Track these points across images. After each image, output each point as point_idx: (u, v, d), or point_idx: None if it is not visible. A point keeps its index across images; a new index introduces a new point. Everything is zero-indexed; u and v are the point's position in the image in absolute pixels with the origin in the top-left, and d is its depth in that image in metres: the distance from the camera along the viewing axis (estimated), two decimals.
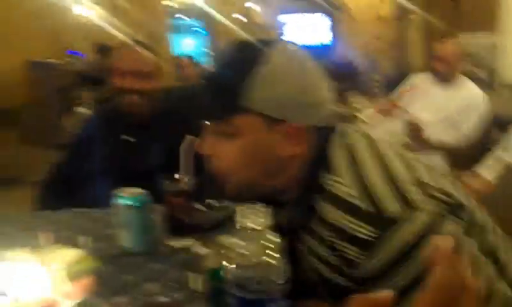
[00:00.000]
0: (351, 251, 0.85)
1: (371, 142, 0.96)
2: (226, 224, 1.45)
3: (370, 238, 0.83)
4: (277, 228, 0.86)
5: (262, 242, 0.73)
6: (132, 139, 1.96)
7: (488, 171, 2.48)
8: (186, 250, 1.31)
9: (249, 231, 0.73)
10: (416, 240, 0.81)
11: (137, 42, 2.03)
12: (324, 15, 11.53)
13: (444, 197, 0.87)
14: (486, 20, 5.54)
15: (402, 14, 6.30)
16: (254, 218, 0.73)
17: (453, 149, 2.80)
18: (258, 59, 0.92)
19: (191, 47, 12.91)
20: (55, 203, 1.82)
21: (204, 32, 18.46)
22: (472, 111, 2.89)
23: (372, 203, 0.85)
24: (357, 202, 0.86)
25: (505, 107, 2.32)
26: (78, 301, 0.99)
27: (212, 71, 1.00)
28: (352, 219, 0.85)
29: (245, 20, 15.25)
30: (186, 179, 1.44)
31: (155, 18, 8.61)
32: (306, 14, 11.74)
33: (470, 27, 5.42)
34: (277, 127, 0.93)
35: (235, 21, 14.33)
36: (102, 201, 1.74)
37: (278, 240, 0.74)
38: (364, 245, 0.83)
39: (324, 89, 0.98)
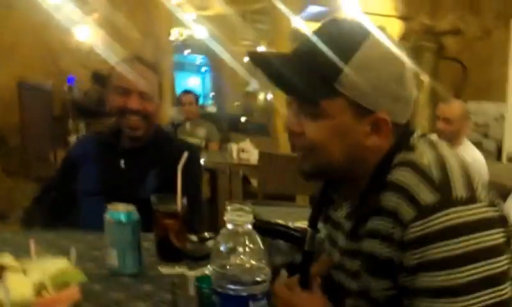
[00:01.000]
0: (407, 212, 0.91)
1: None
2: None
3: (428, 203, 0.90)
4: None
5: (246, 242, 0.80)
6: (123, 165, 2.00)
7: None
8: (177, 276, 1.36)
9: (234, 231, 0.80)
10: (465, 229, 0.88)
11: (139, 59, 2.04)
12: None
13: (496, 202, 0.95)
14: (495, 91, 5.79)
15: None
16: (241, 219, 0.80)
17: None
18: (357, 47, 0.96)
19: (194, 84, 13.17)
20: (42, 222, 1.88)
21: (208, 69, 18.83)
22: None
23: (443, 179, 0.93)
24: (426, 169, 0.94)
25: (509, 178, 2.40)
26: None
27: (306, 50, 1.01)
28: (417, 180, 0.93)
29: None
30: (180, 200, 1.50)
31: (160, 51, 8.81)
32: None
33: (479, 97, 5.66)
34: (366, 116, 0.98)
35: (243, 63, 14.68)
36: (91, 223, 1.80)
37: (260, 243, 0.81)
38: (420, 208, 0.90)
39: (413, 88, 1.03)
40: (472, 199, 0.91)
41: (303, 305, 1.04)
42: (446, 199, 0.90)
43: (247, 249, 0.79)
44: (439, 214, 0.89)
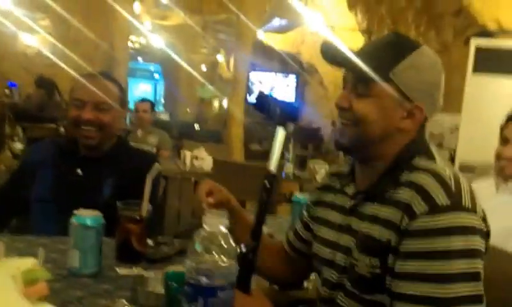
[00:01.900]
0: (420, 205, 1.13)
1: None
2: (175, 257, 1.66)
3: (441, 204, 1.12)
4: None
5: (220, 242, 0.96)
6: (81, 172, 2.08)
7: None
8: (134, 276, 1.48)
9: (210, 232, 0.96)
10: (464, 230, 1.11)
11: (101, 73, 2.18)
12: (295, 77, 12.21)
13: (486, 219, 1.20)
14: (452, 103, 6.13)
15: None
16: (216, 221, 0.97)
17: None
18: (413, 49, 1.26)
19: (145, 91, 13.19)
20: None
21: (161, 77, 18.86)
22: None
23: (457, 189, 1.15)
24: (446, 179, 1.16)
25: None
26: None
27: (372, 47, 1.34)
28: (437, 185, 1.15)
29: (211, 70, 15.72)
30: (145, 206, 1.64)
31: (115, 58, 8.85)
32: (278, 74, 12.39)
33: None
34: (405, 104, 1.24)
35: (199, 72, 14.82)
36: (44, 229, 1.89)
37: (233, 244, 0.98)
38: (433, 206, 1.12)
39: (442, 93, 1.32)
40: (473, 210, 1.15)
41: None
42: (457, 204, 1.13)
43: (220, 248, 0.95)
44: (449, 214, 1.11)
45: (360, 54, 1.27)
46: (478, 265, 1.13)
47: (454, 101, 6.00)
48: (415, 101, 1.25)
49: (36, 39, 9.47)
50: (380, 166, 1.27)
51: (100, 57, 8.96)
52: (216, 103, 15.90)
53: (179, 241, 1.76)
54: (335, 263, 1.31)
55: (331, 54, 1.31)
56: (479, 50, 5.26)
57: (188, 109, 15.53)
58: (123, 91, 2.20)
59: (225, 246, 0.95)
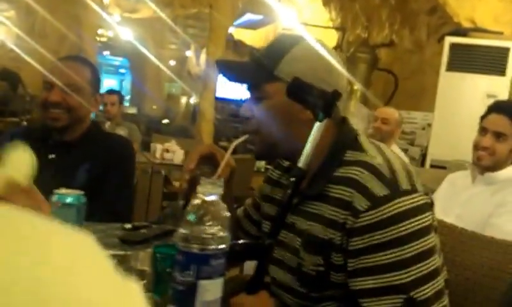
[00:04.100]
0: (361, 202, 1.14)
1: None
2: (153, 240, 1.68)
3: (381, 195, 1.13)
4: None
5: (214, 211, 0.97)
6: (54, 157, 2.07)
7: None
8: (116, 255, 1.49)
9: (204, 201, 0.97)
10: (409, 214, 1.13)
11: (73, 57, 2.20)
12: None
13: (428, 192, 1.23)
14: (424, 101, 6.30)
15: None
16: (211, 191, 0.98)
17: None
18: (294, 44, 1.28)
19: (111, 85, 13.09)
20: None
21: (127, 72, 18.71)
22: None
23: (392, 175, 1.17)
24: (379, 168, 1.18)
25: (432, 181, 2.72)
26: None
27: (256, 52, 1.35)
28: (371, 176, 1.16)
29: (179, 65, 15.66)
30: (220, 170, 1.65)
31: (82, 52, 8.76)
32: None
33: (409, 106, 6.16)
34: None
35: (168, 67, 14.76)
36: None
37: (226, 213, 1.00)
38: (373, 200, 1.14)
39: (341, 80, 1.32)
40: (413, 190, 1.17)
41: (253, 305, 1.20)
42: (395, 192, 1.15)
43: (213, 217, 0.96)
44: (389, 204, 1.13)
45: (244, 63, 1.34)
46: (430, 240, 1.16)
47: (426, 99, 6.16)
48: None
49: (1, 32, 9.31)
50: (311, 165, 1.25)
51: (67, 50, 8.85)
52: (183, 100, 15.87)
53: (157, 226, 1.79)
54: (284, 263, 1.32)
55: (223, 72, 1.36)
56: (453, 48, 5.35)
57: (154, 106, 15.49)
58: (96, 74, 2.19)
59: (218, 215, 0.97)
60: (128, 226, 1.75)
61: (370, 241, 1.13)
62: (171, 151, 4.97)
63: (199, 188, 0.98)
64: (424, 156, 5.74)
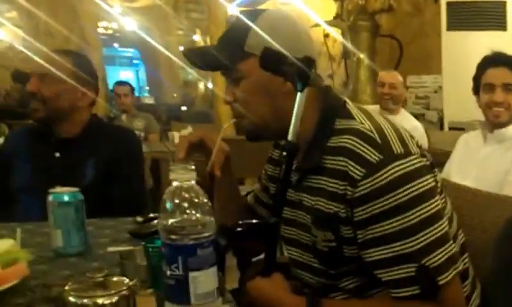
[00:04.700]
0: (357, 170, 1.11)
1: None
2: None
3: (374, 161, 1.10)
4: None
5: (191, 197, 0.90)
6: (58, 155, 2.04)
7: None
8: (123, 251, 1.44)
9: (179, 188, 0.90)
10: (407, 179, 1.09)
11: (64, 50, 2.13)
12: None
13: (425, 154, 1.18)
14: (432, 64, 6.17)
15: (351, 54, 6.94)
16: (185, 176, 0.91)
17: None
18: (256, 16, 1.24)
19: (128, 78, 13.04)
20: None
21: (141, 62, 18.61)
22: None
23: (383, 139, 1.13)
24: (369, 133, 1.14)
25: (451, 144, 2.63)
26: (11, 284, 1.11)
27: (224, 34, 1.30)
28: (362, 143, 1.13)
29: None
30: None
31: (87, 45, 8.71)
32: None
33: (417, 71, 6.04)
34: None
35: (178, 54, 14.63)
36: (30, 218, 1.84)
37: (204, 197, 0.92)
38: (368, 166, 1.10)
39: (312, 44, 1.29)
40: (407, 152, 1.12)
41: (267, 287, 1.18)
42: (388, 156, 1.10)
43: (192, 204, 0.90)
44: (385, 170, 1.09)
45: (213, 47, 1.27)
46: (434, 204, 1.12)
47: (434, 62, 6.02)
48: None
49: (6, 34, 9.27)
50: (303, 135, 1.22)
51: (73, 47, 8.81)
52: (201, 85, 15.79)
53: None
54: (300, 242, 1.29)
55: (193, 62, 1.31)
56: (449, 7, 5.25)
57: (175, 94, 15.42)
58: (85, 67, 2.11)
59: (197, 201, 0.90)
60: (139, 219, 1.69)
61: (373, 210, 1.10)
62: None
63: (171, 175, 0.91)
64: (441, 119, 5.62)
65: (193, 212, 0.89)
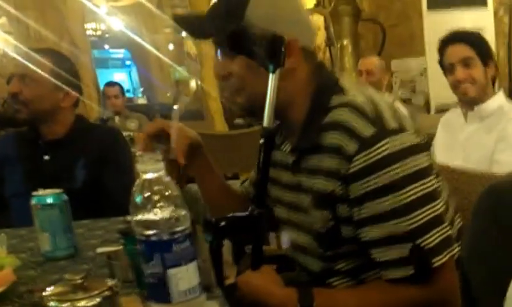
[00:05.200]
0: (350, 144, 1.08)
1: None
2: None
3: (368, 134, 1.07)
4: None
5: (161, 189, 0.86)
6: (48, 158, 2.02)
7: None
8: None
9: (148, 181, 0.86)
10: (401, 155, 1.06)
11: (45, 50, 2.13)
12: None
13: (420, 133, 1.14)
14: (415, 46, 6.12)
15: (334, 41, 6.89)
16: (152, 167, 0.87)
17: None
18: None
19: (121, 79, 12.95)
20: None
21: (132, 63, 18.47)
22: None
23: (376, 113, 1.10)
24: (362, 105, 1.11)
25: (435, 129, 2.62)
26: None
27: (217, 4, 1.21)
28: (354, 116, 1.09)
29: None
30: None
31: (76, 48, 8.64)
32: None
33: (401, 54, 5.98)
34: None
35: (167, 52, 14.56)
36: (24, 223, 1.82)
37: (175, 188, 0.88)
38: (361, 140, 1.07)
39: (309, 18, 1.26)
40: (401, 128, 1.09)
41: (256, 281, 1.16)
42: (382, 131, 1.07)
43: (162, 196, 0.86)
44: (378, 144, 1.06)
45: (208, 17, 1.20)
46: (429, 183, 1.09)
47: (417, 44, 5.97)
48: (284, 35, 1.14)
49: None
50: (298, 115, 1.20)
51: (65, 51, 8.74)
52: (192, 83, 15.70)
53: None
54: (299, 225, 1.26)
55: (185, 27, 1.26)
56: None
57: (168, 93, 15.35)
58: (67, 68, 2.07)
59: (167, 193, 0.86)
60: (129, 218, 1.66)
61: (367, 187, 1.08)
62: None
63: (138, 167, 0.87)
64: (428, 102, 5.57)
65: (165, 205, 0.85)
